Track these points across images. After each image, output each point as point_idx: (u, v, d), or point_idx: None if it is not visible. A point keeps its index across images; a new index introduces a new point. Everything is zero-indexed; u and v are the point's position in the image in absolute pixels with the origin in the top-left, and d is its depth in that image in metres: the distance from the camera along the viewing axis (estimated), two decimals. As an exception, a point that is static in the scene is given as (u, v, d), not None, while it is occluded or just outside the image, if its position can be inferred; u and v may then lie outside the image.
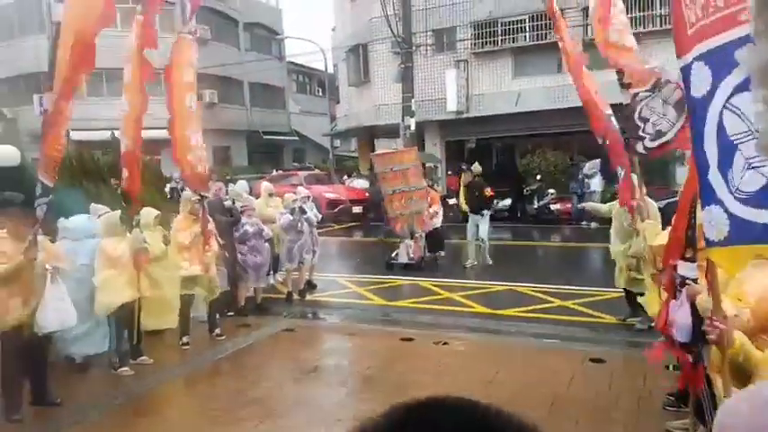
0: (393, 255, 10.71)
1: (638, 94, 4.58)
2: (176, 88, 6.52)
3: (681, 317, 3.25)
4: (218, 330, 7.03)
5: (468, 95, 19.43)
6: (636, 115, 4.62)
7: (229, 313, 7.73)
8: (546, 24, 18.07)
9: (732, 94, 2.15)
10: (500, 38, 19.02)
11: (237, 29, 31.82)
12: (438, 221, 11.02)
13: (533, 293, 8.51)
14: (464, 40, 19.59)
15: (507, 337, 6.82)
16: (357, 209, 18.34)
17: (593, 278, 9.32)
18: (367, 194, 18.42)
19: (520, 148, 19.69)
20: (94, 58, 4.69)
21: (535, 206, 16.51)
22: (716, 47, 2.18)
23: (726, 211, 2.26)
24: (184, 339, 6.72)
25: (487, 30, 19.16)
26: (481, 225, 10.50)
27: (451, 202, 17.28)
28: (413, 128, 18.12)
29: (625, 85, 4.65)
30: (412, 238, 10.45)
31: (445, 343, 6.48)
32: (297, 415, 4.84)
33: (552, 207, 16.44)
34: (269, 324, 7.54)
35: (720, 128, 2.23)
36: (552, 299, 8.18)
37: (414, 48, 18.58)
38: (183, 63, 6.60)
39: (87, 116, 22.68)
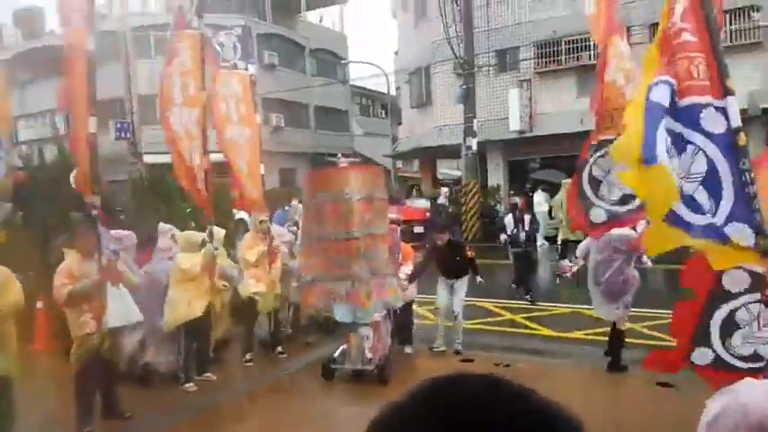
0: (335, 354, 6.31)
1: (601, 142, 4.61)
2: (221, 120, 6.94)
3: None
4: (280, 348, 7.16)
5: (532, 115, 19.18)
6: (586, 174, 4.73)
7: (289, 331, 7.86)
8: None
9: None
10: (564, 57, 18.74)
11: (304, 54, 32.85)
12: (413, 292, 7.09)
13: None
14: (527, 59, 19.41)
15: (571, 360, 6.59)
16: (418, 229, 18.33)
17: (661, 300, 8.87)
18: (428, 214, 18.40)
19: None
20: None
21: (602, 227, 15.96)
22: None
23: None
24: (247, 356, 6.89)
25: (551, 49, 18.95)
26: (457, 293, 7.03)
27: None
28: (474, 148, 18.07)
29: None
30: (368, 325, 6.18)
31: (507, 365, 6.33)
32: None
33: (621, 228, 15.85)
34: (332, 342, 7.60)
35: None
36: (620, 323, 7.83)
37: (476, 69, 18.61)
38: (227, 95, 7.01)
39: (159, 140, 23.85)
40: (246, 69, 7.44)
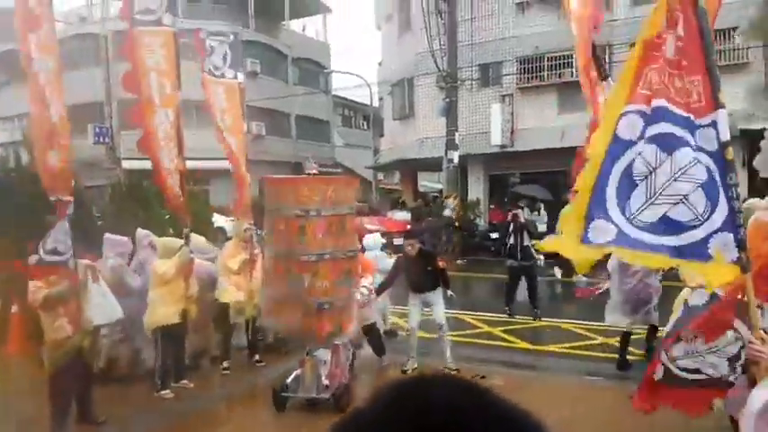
0: (287, 380, 5.62)
1: None
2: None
3: None
4: (257, 357, 7.10)
5: (513, 130, 19.39)
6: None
7: (270, 340, 7.79)
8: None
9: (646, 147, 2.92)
10: (546, 73, 19.02)
11: (286, 63, 32.86)
12: (373, 312, 6.89)
13: (577, 330, 8.29)
14: (510, 74, 19.66)
15: (548, 374, 6.65)
16: (398, 240, 18.32)
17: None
18: (408, 227, 18.43)
19: (565, 183, 19.43)
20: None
21: (580, 242, 16.14)
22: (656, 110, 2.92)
23: (613, 224, 2.89)
24: (225, 364, 6.82)
25: (533, 65, 19.21)
26: (434, 306, 6.79)
27: (493, 236, 17.22)
28: (456, 161, 18.19)
29: None
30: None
31: (483, 377, 6.34)
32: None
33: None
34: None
35: (629, 167, 2.94)
36: (596, 336, 7.93)
37: (459, 82, 18.79)
38: (217, 103, 7.04)
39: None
40: (236, 77, 7.39)
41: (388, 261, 7.60)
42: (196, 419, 5.57)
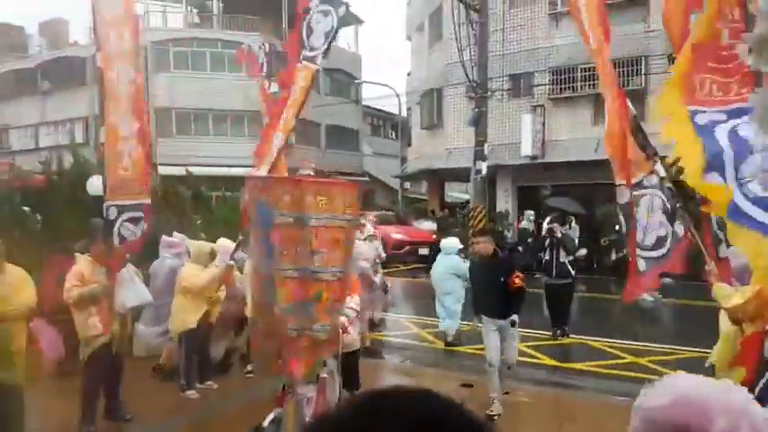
0: (264, 424, 4.52)
1: (640, 183, 3.92)
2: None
3: None
4: (281, 361, 7.15)
5: (544, 141, 19.21)
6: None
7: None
8: (628, 71, 17.71)
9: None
10: (579, 84, 18.81)
11: (318, 74, 33.23)
12: (355, 335, 5.45)
13: (605, 348, 8.12)
14: (541, 85, 19.52)
15: (573, 392, 6.53)
16: (423, 250, 18.31)
17: (669, 335, 8.81)
18: (434, 237, 18.39)
19: (598, 196, 19.12)
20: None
21: (613, 258, 15.84)
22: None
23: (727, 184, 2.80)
24: (249, 367, 6.89)
25: (566, 75, 19.02)
26: (509, 339, 5.73)
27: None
28: (484, 172, 18.08)
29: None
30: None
31: (507, 392, 6.26)
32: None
33: (631, 259, 15.71)
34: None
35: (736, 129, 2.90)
36: (625, 354, 7.77)
37: (489, 93, 18.71)
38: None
39: (174, 152, 24.18)
40: (270, 87, 7.71)
41: (466, 266, 7.21)
42: (220, 420, 5.63)
